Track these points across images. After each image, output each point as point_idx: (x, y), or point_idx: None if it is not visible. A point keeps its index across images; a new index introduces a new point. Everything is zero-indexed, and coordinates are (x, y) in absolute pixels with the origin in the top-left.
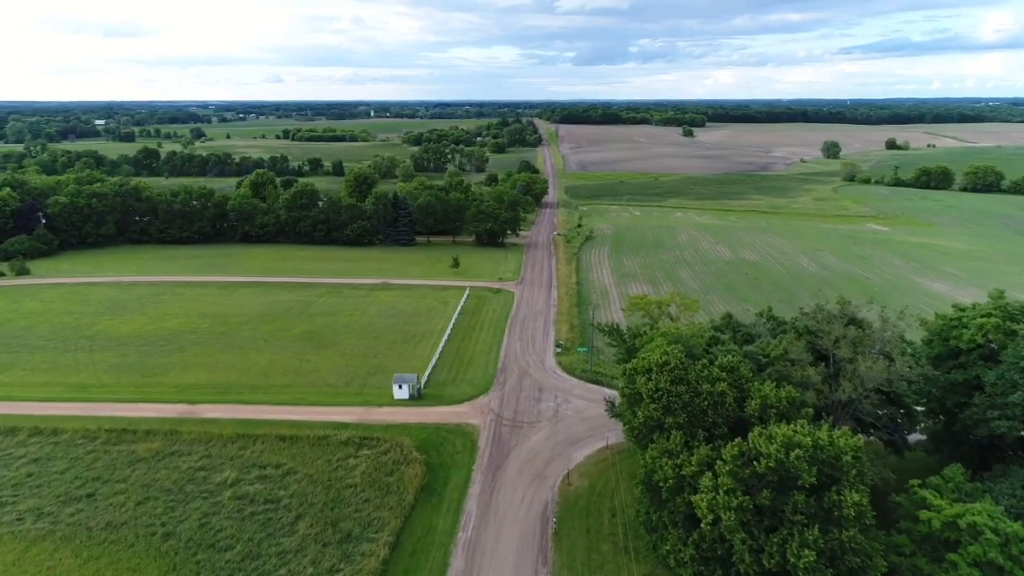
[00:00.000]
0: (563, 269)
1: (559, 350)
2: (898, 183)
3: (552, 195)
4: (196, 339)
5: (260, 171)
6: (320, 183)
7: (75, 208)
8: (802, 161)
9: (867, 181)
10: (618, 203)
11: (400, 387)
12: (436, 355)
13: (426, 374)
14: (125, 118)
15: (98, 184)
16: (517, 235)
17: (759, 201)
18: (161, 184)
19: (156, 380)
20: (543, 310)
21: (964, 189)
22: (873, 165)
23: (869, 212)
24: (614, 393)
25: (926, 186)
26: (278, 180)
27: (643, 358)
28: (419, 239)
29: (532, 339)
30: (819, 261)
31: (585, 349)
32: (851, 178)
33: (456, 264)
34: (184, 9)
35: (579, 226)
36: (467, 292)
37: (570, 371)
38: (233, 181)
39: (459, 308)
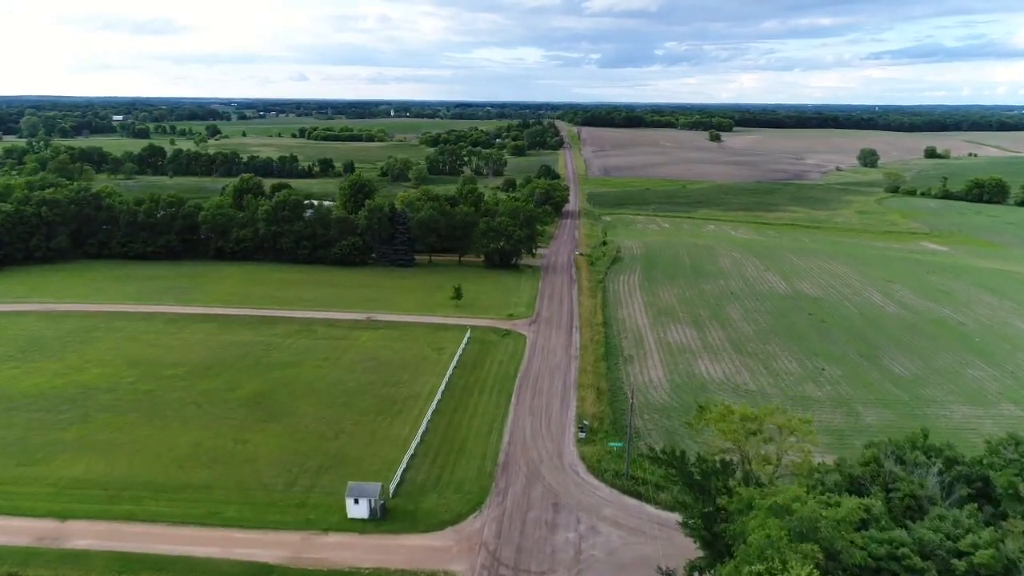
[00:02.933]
0: (586, 303)
1: (582, 435)
2: (947, 195)
3: (573, 203)
4: (112, 401)
5: (245, 176)
6: (330, 186)
7: (21, 217)
8: (838, 169)
9: (912, 193)
10: (644, 213)
11: (356, 502)
12: (418, 436)
13: (399, 471)
14: (143, 114)
15: (51, 190)
16: (533, 255)
17: (797, 213)
18: (164, 184)
19: (32, 472)
20: (561, 364)
21: (1021, 203)
22: (915, 175)
23: (921, 228)
24: (672, 533)
25: (978, 199)
26: (268, 185)
27: None
28: (420, 258)
29: (546, 412)
30: (894, 297)
31: (619, 444)
32: (894, 189)
33: (458, 295)
34: (213, 7)
35: (604, 244)
36: (468, 335)
37: (598, 472)
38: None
39: (456, 358)
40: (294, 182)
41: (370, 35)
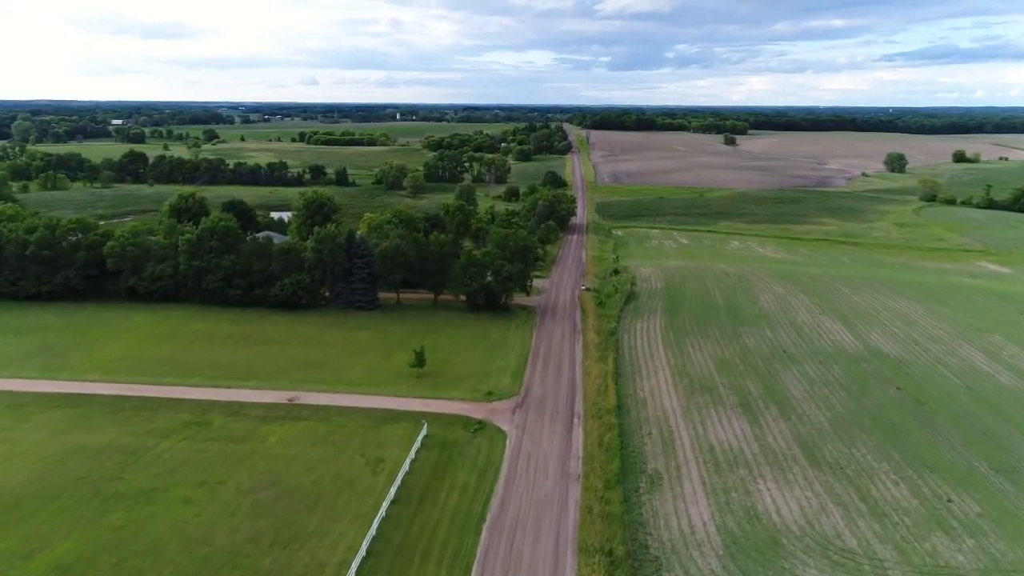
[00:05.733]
0: (593, 370)
1: None
2: (991, 205)
3: (581, 215)
4: None
5: (185, 192)
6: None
7: None
8: (864, 175)
9: (952, 202)
10: (659, 226)
11: None
12: None
13: None
14: (143, 118)
15: None
16: (528, 292)
17: (829, 226)
18: (143, 192)
19: None
20: (555, 495)
21: None
22: (948, 180)
23: (973, 244)
24: None
25: None
26: (223, 202)
27: None
28: (388, 296)
29: None
30: (1001, 358)
31: None
32: (931, 198)
33: (420, 361)
34: (225, 11)
35: (615, 272)
36: (423, 432)
37: None
38: (224, 190)
39: (399, 479)
40: (283, 190)
41: (381, 39)
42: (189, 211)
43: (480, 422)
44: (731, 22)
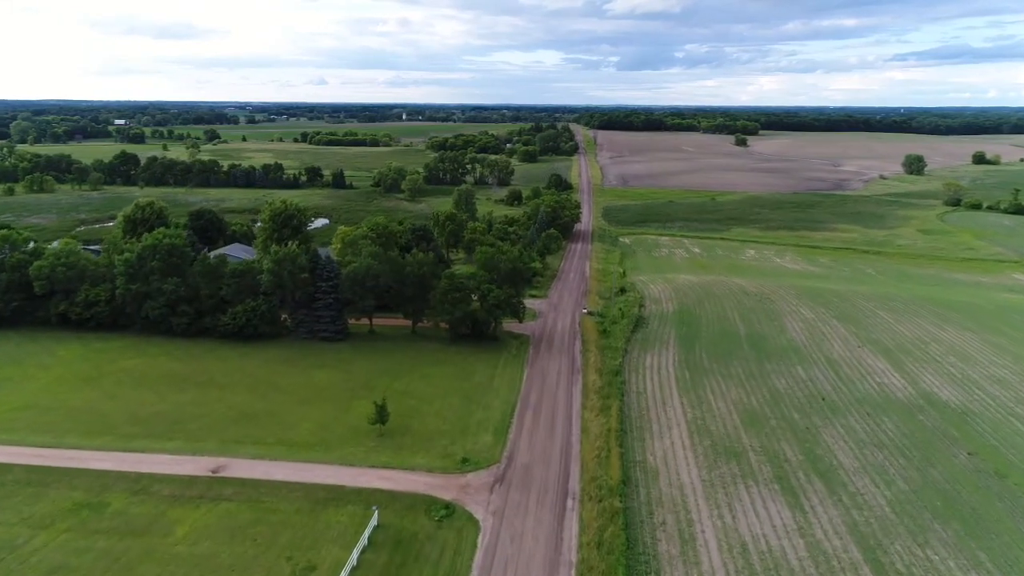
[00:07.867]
0: (594, 426)
1: None
2: (1019, 210)
3: (586, 221)
4: None
5: (142, 202)
6: (314, 198)
7: None
8: (882, 178)
9: (978, 206)
10: (669, 233)
11: None
12: None
13: None
14: (146, 118)
15: None
16: (520, 318)
17: (850, 233)
18: (132, 195)
19: None
20: None
21: None
22: (969, 183)
23: (1006, 254)
24: None
25: None
26: (190, 211)
27: None
28: (359, 323)
29: None
30: None
31: None
32: (956, 202)
33: (381, 417)
34: (236, 12)
35: (622, 291)
36: (373, 522)
37: None
38: (216, 193)
39: None
40: (277, 192)
41: (390, 39)
42: (146, 222)
43: (448, 505)
44: (741, 21)
